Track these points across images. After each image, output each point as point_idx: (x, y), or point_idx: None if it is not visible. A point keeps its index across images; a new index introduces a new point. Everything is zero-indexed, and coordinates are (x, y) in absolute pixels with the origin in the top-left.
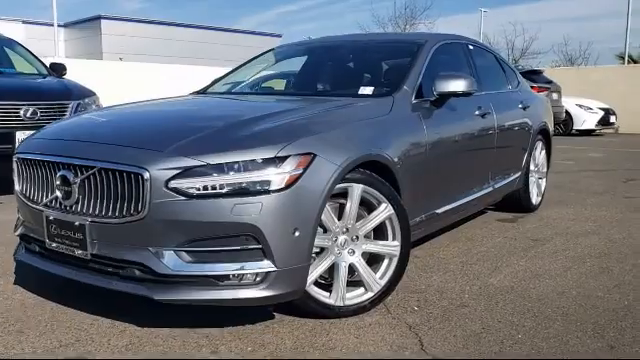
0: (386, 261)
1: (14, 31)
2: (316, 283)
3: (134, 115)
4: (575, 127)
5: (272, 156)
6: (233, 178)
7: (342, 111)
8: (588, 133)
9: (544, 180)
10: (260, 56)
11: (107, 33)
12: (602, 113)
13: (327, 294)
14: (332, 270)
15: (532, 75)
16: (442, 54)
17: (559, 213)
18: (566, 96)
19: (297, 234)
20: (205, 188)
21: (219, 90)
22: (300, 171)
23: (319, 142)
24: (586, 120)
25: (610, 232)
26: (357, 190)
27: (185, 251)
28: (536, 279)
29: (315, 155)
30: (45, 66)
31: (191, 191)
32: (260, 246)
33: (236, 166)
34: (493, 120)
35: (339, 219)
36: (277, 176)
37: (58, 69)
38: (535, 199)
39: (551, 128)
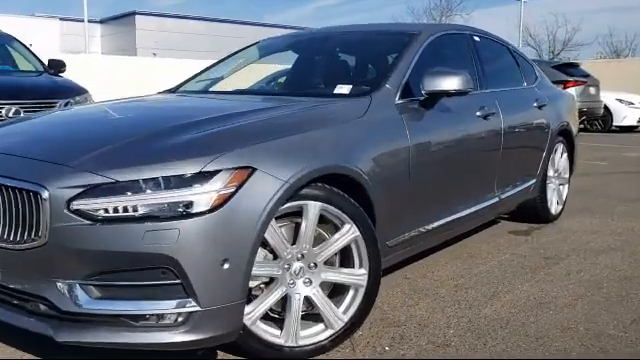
0: (351, 292)
1: (49, 28)
2: (267, 316)
3: (66, 120)
4: (615, 123)
5: (196, 171)
6: (147, 198)
7: (302, 115)
8: (629, 130)
9: (566, 186)
10: (243, 50)
11: (141, 28)
12: None
13: (278, 332)
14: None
15: (568, 68)
16: (439, 47)
17: (581, 224)
18: (605, 90)
19: (227, 266)
20: (114, 210)
21: (191, 88)
22: (233, 189)
23: (261, 153)
24: (627, 116)
25: (637, 249)
26: (313, 209)
27: (93, 285)
28: (539, 309)
29: (254, 169)
30: (42, 63)
31: (97, 214)
32: (179, 281)
33: (151, 184)
34: (499, 122)
35: (294, 242)
36: (202, 196)
37: (56, 66)
38: (554, 208)
39: (575, 129)
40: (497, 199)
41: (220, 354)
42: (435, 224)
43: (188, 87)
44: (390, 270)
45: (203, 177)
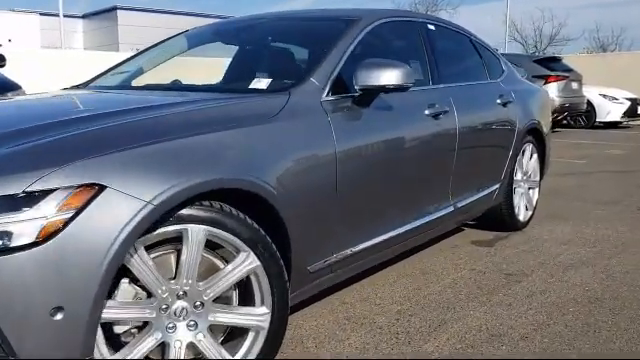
0: (251, 335)
1: (28, 23)
2: None
3: None
4: (598, 119)
5: (16, 192)
6: None
7: (193, 115)
8: (614, 125)
9: (536, 190)
10: (168, 40)
11: (123, 24)
12: (629, 103)
13: None
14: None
15: (549, 63)
16: (383, 35)
17: (552, 232)
18: (589, 85)
19: (60, 317)
20: None
21: (103, 83)
22: (71, 213)
23: (114, 165)
24: (611, 111)
25: (610, 262)
26: (196, 235)
27: None
28: (490, 344)
29: (103, 187)
30: None
31: None
32: None
33: None
34: (453, 121)
35: (175, 277)
36: (23, 224)
37: None
38: (523, 215)
39: (546, 128)
40: (452, 208)
41: None
42: (371, 242)
43: (100, 82)
44: (328, 292)
45: (26, 199)
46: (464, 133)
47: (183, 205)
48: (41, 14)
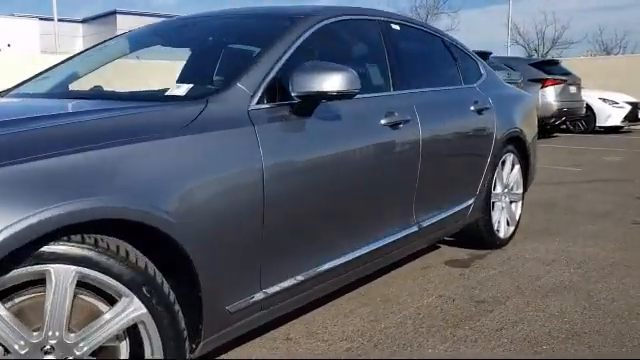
0: None
1: (28, 28)
2: None
3: None
4: (598, 124)
5: None
6: None
7: (74, 127)
8: (615, 130)
9: (519, 204)
10: (109, 41)
11: (122, 28)
12: (629, 107)
13: None
14: None
15: (546, 66)
16: (334, 36)
17: (536, 250)
18: (588, 89)
19: None
20: None
21: (28, 90)
22: None
23: None
24: (611, 115)
25: (595, 288)
26: (63, 277)
27: None
28: None
29: None
30: None
31: None
32: None
33: None
34: (416, 131)
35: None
36: None
37: None
38: (504, 231)
39: (530, 136)
40: (416, 228)
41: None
42: (312, 272)
43: (27, 88)
44: (273, 324)
45: None
46: (429, 144)
47: (46, 240)
48: (41, 19)
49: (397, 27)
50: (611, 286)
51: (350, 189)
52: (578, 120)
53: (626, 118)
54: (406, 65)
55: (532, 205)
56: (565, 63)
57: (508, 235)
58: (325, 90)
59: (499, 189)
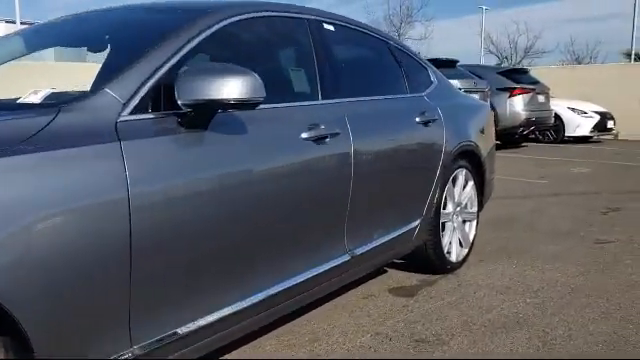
0: None
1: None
2: None
3: None
4: (567, 133)
5: None
6: None
7: None
8: (584, 140)
9: (473, 223)
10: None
11: None
12: (598, 117)
13: None
14: None
15: (514, 75)
16: (248, 35)
17: (491, 274)
18: (558, 99)
19: None
20: None
21: None
22: None
23: None
24: (580, 125)
25: (551, 322)
26: None
27: None
28: None
29: None
30: None
31: None
32: None
33: None
34: (346, 146)
35: None
36: None
37: None
38: (456, 254)
39: (485, 150)
40: (348, 257)
41: None
42: (200, 321)
43: None
44: None
45: None
46: (364, 161)
47: None
48: (7, 22)
49: (330, 27)
50: (569, 319)
51: (255, 217)
52: (547, 130)
53: (595, 128)
54: (339, 71)
55: (492, 222)
56: (534, 72)
57: (461, 258)
58: (218, 98)
59: (450, 208)
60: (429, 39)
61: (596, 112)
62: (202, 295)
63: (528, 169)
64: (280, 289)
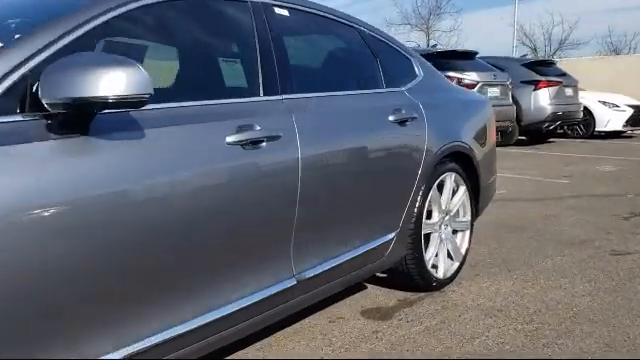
0: None
1: None
2: None
3: None
4: (598, 128)
5: None
6: None
7: None
8: (616, 135)
9: (466, 234)
10: None
11: None
12: (631, 111)
13: None
14: None
15: (540, 67)
16: (172, 20)
17: (482, 293)
18: (588, 91)
19: None
20: None
21: None
22: None
23: None
24: (611, 120)
25: (541, 356)
26: None
27: None
28: None
29: None
30: None
31: None
32: None
33: None
34: (291, 151)
35: None
36: None
37: None
38: (444, 269)
39: (479, 150)
40: (295, 281)
41: None
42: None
43: None
44: None
45: None
46: (315, 169)
47: None
48: None
49: (283, 12)
50: (564, 352)
51: (155, 242)
52: (576, 124)
53: (628, 122)
54: (290, 63)
55: (498, 228)
56: (562, 64)
57: (450, 273)
58: (92, 96)
59: (436, 217)
60: (458, 31)
61: (629, 105)
62: (88, 343)
63: (551, 167)
64: (200, 324)
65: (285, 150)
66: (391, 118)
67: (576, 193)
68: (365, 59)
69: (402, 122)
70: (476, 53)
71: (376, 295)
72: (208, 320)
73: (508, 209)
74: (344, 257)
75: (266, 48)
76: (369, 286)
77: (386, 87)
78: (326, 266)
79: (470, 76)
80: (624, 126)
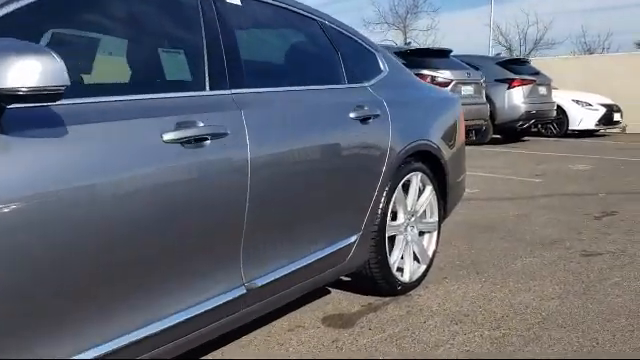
0: None
1: None
2: None
3: None
4: (571, 127)
5: None
6: None
7: None
8: (590, 134)
9: (434, 235)
10: None
11: None
12: (604, 110)
13: None
14: None
15: (514, 65)
16: (103, 5)
17: (449, 298)
18: (562, 90)
19: None
20: None
21: None
22: None
23: None
24: (583, 118)
25: None
26: None
27: None
28: None
29: None
30: None
31: None
32: None
33: None
34: (239, 149)
35: None
36: None
37: None
38: (410, 272)
39: (447, 150)
40: (244, 290)
41: None
42: None
43: None
44: None
45: None
46: (267, 168)
47: None
48: None
49: (235, 1)
50: None
51: (81, 248)
52: (549, 123)
53: (600, 121)
54: (244, 55)
55: (469, 229)
56: (537, 63)
57: (417, 276)
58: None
59: (401, 218)
60: (435, 30)
61: (602, 104)
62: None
63: (524, 165)
64: (136, 338)
65: (232, 149)
66: (352, 115)
67: (548, 192)
68: (325, 53)
69: (364, 119)
70: (450, 51)
71: (339, 300)
72: (146, 334)
73: (480, 209)
74: (300, 262)
75: (214, 39)
76: (333, 291)
77: (348, 83)
78: (280, 273)
79: (443, 74)
80: (597, 125)
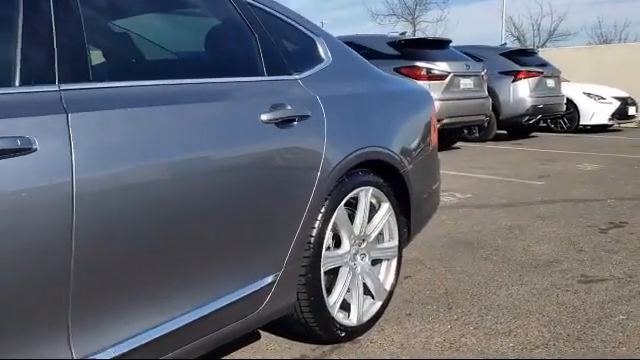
0: None
1: None
2: None
3: None
4: (582, 122)
5: None
6: None
7: None
8: (603, 129)
9: (392, 262)
10: None
11: None
12: (618, 103)
13: None
14: None
15: (519, 56)
16: None
17: (407, 343)
18: (572, 82)
19: None
20: None
21: None
22: None
23: None
24: (596, 112)
25: None
26: None
27: None
28: None
29: None
30: None
31: None
32: None
33: None
34: (56, 169)
35: None
36: None
37: None
38: (357, 312)
39: (409, 157)
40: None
41: None
42: None
43: None
44: None
45: None
46: (111, 197)
47: None
48: None
49: None
50: None
51: None
52: (559, 118)
53: (614, 115)
54: (91, 40)
55: (450, 245)
56: (545, 54)
57: (368, 317)
58: None
59: (346, 245)
60: (445, 22)
61: (616, 97)
62: None
63: (526, 165)
64: None
65: (49, 168)
66: (264, 117)
67: (550, 197)
68: (235, 37)
69: (284, 122)
70: (449, 42)
71: (271, 348)
72: None
73: (468, 218)
74: (175, 323)
75: (37, 20)
76: (263, 335)
77: (268, 75)
78: (141, 340)
79: (440, 66)
80: (610, 119)
